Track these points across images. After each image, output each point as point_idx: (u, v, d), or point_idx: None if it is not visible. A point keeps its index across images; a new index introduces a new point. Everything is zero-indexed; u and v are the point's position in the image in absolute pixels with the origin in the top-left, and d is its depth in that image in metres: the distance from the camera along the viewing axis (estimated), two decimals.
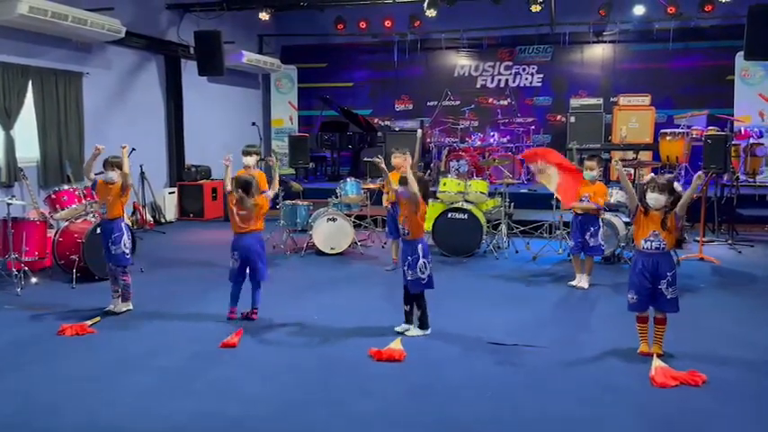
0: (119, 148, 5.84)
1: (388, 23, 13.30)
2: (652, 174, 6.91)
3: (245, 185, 5.45)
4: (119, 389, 4.14)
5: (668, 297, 4.54)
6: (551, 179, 6.66)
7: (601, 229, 6.60)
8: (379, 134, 13.01)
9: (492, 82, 13.70)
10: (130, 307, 5.79)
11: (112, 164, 5.70)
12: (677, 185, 4.55)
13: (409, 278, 5.10)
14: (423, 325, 5.18)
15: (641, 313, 4.70)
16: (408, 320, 5.24)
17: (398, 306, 5.27)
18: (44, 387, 4.18)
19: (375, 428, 3.66)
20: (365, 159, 12.56)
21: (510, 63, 13.58)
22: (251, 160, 7.32)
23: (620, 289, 6.28)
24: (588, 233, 6.52)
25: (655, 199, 4.52)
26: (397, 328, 5.19)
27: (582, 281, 6.62)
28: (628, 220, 7.81)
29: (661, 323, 4.65)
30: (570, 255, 6.85)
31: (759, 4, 8.88)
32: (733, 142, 9.47)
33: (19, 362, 4.63)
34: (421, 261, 5.07)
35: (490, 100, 13.53)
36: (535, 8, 10.66)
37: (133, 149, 9.39)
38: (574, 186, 6.54)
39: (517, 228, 8.88)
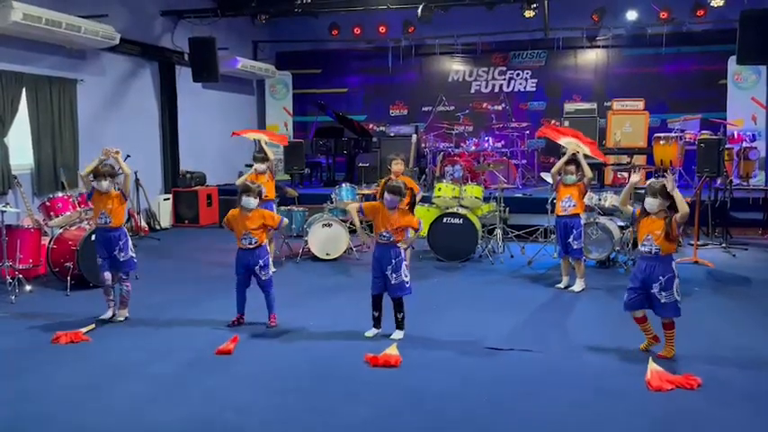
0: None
1: (382, 29, 13.35)
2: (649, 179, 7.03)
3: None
4: (113, 397, 4.12)
5: (662, 301, 4.55)
6: (581, 147, 6.82)
7: (583, 231, 6.66)
8: (374, 140, 13.03)
9: (486, 87, 13.74)
10: (127, 314, 5.77)
11: (104, 173, 5.65)
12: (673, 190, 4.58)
13: (393, 282, 5.08)
14: (402, 326, 5.21)
15: (634, 313, 4.73)
16: (377, 325, 5.26)
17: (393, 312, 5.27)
18: (38, 395, 4.15)
19: None
20: (360, 165, 12.60)
21: (504, 68, 13.63)
22: (263, 166, 7.63)
23: (616, 293, 6.31)
24: (571, 236, 6.56)
25: (649, 203, 4.56)
26: (368, 334, 5.20)
27: (576, 284, 6.65)
28: (622, 224, 7.85)
29: (668, 328, 4.67)
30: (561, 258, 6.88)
31: (751, 9, 8.95)
32: (726, 146, 9.52)
33: (13, 370, 4.60)
34: (404, 264, 5.12)
35: (484, 105, 13.56)
36: (528, 14, 10.71)
37: (128, 156, 9.48)
38: (596, 149, 7.32)
39: (512, 232, 8.88)
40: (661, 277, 4.53)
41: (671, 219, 4.49)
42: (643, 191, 4.82)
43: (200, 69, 10.83)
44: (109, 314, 5.73)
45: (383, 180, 5.39)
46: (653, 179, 5.14)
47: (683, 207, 4.48)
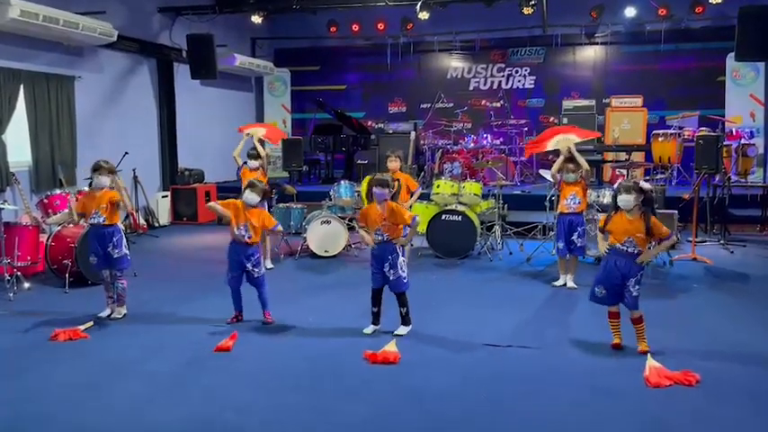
0: (112, 151, 5.80)
1: (380, 26, 13.34)
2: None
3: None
4: (113, 395, 4.12)
5: (634, 295, 4.66)
6: (568, 139, 6.80)
7: (585, 230, 6.71)
8: (373, 137, 13.01)
9: (485, 84, 13.74)
10: (125, 311, 5.77)
11: (109, 169, 5.62)
12: (644, 184, 4.62)
13: (392, 278, 5.10)
14: (407, 321, 5.22)
15: (611, 308, 4.81)
16: (376, 321, 5.26)
17: (392, 308, 5.26)
18: (37, 394, 4.14)
19: None
20: (358, 162, 12.59)
21: (502, 65, 13.63)
22: (255, 163, 7.64)
23: None
24: (576, 233, 6.57)
25: (624, 200, 4.60)
26: (366, 330, 5.21)
27: (569, 281, 6.67)
28: None
29: (637, 323, 4.73)
30: (559, 256, 6.88)
31: (749, 6, 8.93)
32: (724, 143, 9.52)
33: (11, 368, 4.60)
34: (401, 259, 5.12)
35: (483, 102, 13.56)
36: (527, 10, 10.69)
37: (126, 153, 9.48)
38: (581, 130, 7.29)
39: (511, 229, 8.89)
40: (638, 273, 4.66)
41: (649, 216, 4.56)
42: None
43: (199, 66, 10.81)
44: (107, 312, 5.72)
45: (366, 179, 5.37)
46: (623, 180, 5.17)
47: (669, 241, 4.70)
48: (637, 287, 4.65)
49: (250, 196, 5.36)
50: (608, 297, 4.76)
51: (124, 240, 5.74)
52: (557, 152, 6.98)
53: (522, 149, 12.29)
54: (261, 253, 5.56)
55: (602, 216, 4.93)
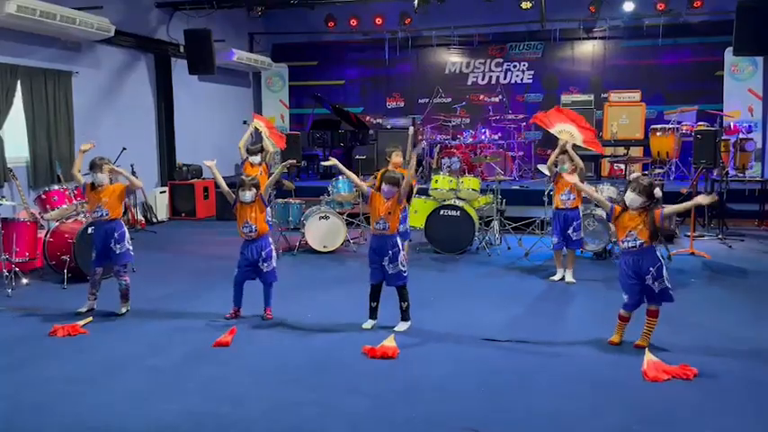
0: (110, 147, 5.79)
1: (378, 21, 13.32)
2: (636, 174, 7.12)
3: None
4: (110, 390, 4.12)
5: (656, 291, 4.60)
6: (574, 136, 6.75)
7: (582, 222, 6.74)
8: (371, 132, 12.99)
9: (483, 79, 13.73)
10: (128, 308, 5.76)
11: (101, 165, 5.62)
12: (658, 192, 4.58)
13: (391, 272, 5.09)
14: (407, 317, 5.22)
15: (623, 312, 4.77)
16: (374, 316, 5.26)
17: (391, 303, 5.27)
18: (34, 388, 4.15)
19: (367, 427, 3.65)
20: (357, 157, 12.59)
21: (501, 60, 13.61)
22: (257, 159, 7.70)
23: (612, 284, 6.30)
24: (571, 227, 6.58)
25: (631, 199, 4.59)
26: (365, 325, 5.21)
27: (568, 276, 6.68)
28: None
29: (653, 315, 4.70)
30: (554, 251, 6.89)
31: (747, 0, 8.93)
32: (722, 137, 9.52)
33: (10, 363, 4.60)
34: (402, 253, 5.12)
35: (481, 97, 13.55)
36: (525, 5, 10.70)
37: (124, 149, 9.46)
38: (593, 138, 7.04)
39: (509, 224, 8.89)
40: (651, 268, 4.58)
41: (653, 213, 4.53)
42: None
43: (196, 61, 10.79)
44: (85, 308, 5.70)
45: (380, 172, 5.38)
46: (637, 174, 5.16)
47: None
48: (656, 283, 4.57)
49: (243, 194, 5.38)
50: (629, 303, 4.71)
51: (127, 235, 5.74)
52: (555, 145, 6.95)
53: (520, 144, 12.31)
54: (272, 246, 5.56)
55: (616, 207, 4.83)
